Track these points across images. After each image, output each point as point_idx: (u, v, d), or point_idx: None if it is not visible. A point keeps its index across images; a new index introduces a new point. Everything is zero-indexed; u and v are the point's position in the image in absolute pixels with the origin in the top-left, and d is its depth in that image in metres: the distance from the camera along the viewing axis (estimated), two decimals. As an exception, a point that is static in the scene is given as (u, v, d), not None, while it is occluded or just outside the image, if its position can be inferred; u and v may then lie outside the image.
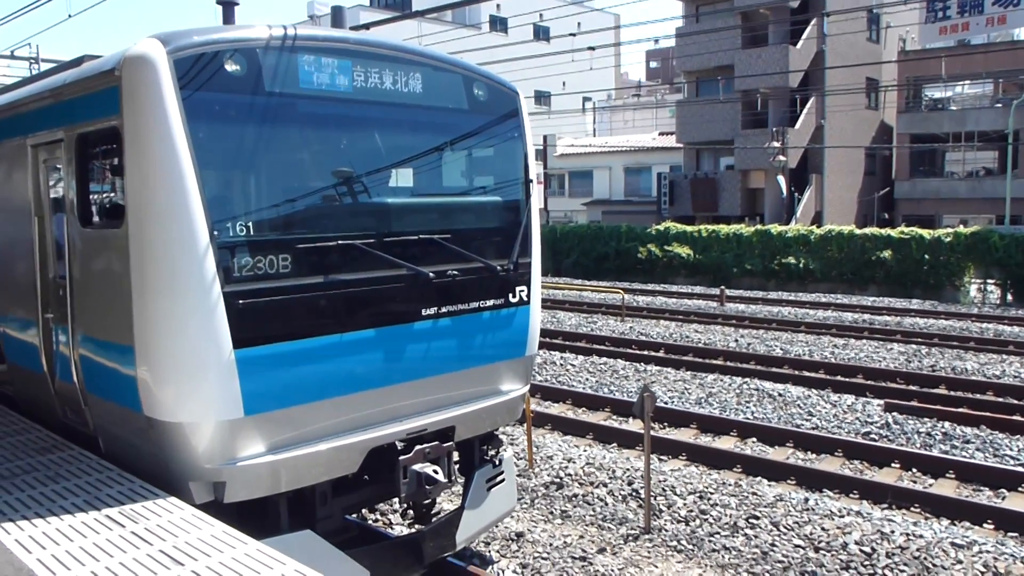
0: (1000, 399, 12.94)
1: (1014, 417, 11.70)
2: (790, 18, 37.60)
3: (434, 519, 6.73)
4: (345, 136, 5.74)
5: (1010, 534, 8.11)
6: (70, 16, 20.31)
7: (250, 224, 4.96)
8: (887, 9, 35.86)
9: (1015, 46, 36.12)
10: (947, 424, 11.67)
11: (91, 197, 5.71)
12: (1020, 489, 9.20)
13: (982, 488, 9.39)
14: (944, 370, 15.52)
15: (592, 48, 26.07)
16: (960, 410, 12.06)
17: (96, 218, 5.66)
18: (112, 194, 5.67)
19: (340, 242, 5.35)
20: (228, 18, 6.05)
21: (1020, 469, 9.63)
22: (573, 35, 27.72)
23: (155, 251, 4.79)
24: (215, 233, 4.75)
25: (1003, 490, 9.28)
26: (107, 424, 5.61)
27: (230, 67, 4.95)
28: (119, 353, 5.12)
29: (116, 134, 4.98)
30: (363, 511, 8.25)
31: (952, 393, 13.26)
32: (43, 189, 6.17)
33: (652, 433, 8.84)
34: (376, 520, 8.46)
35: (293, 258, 5.10)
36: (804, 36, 38.00)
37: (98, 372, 5.48)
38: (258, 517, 5.25)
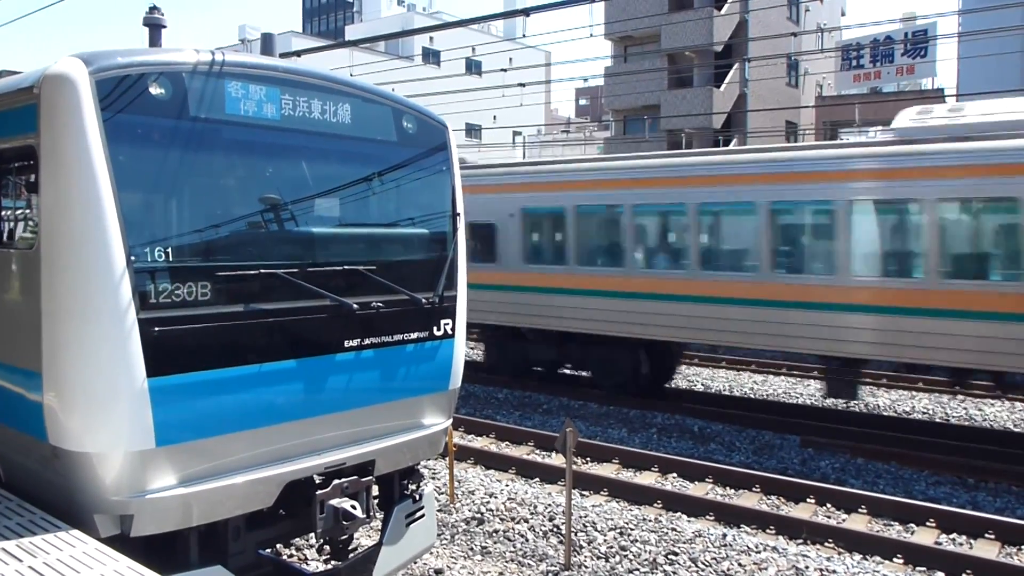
0: (910, 436, 13.38)
1: (922, 453, 12.12)
2: (714, 62, 38.79)
3: (351, 555, 6.59)
4: (270, 165, 5.66)
5: (918, 568, 8.35)
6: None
7: (169, 250, 4.84)
8: (805, 56, 37.37)
9: (922, 95, 37.89)
10: (860, 460, 12.03)
11: (1, 214, 5.50)
12: (927, 524, 9.50)
13: (892, 523, 9.67)
14: (858, 406, 16.02)
15: (523, 84, 26.38)
16: (873, 446, 12.44)
17: (6, 237, 5.45)
18: (26, 212, 5.47)
19: (262, 271, 5.25)
20: (155, 40, 5.92)
21: (927, 504, 9.96)
22: (504, 70, 27.98)
23: (69, 274, 4.63)
24: (132, 258, 4.61)
25: (912, 524, 9.56)
26: (9, 452, 5.35)
27: (154, 90, 4.85)
28: (25, 378, 4.90)
29: (32, 153, 4.82)
30: (278, 546, 8.03)
31: (865, 429, 13.67)
32: None
33: (574, 468, 8.85)
34: (291, 556, 8.25)
35: (213, 286, 4.98)
36: (727, 80, 39.23)
37: (1, 397, 5.24)
38: (167, 552, 5.05)
